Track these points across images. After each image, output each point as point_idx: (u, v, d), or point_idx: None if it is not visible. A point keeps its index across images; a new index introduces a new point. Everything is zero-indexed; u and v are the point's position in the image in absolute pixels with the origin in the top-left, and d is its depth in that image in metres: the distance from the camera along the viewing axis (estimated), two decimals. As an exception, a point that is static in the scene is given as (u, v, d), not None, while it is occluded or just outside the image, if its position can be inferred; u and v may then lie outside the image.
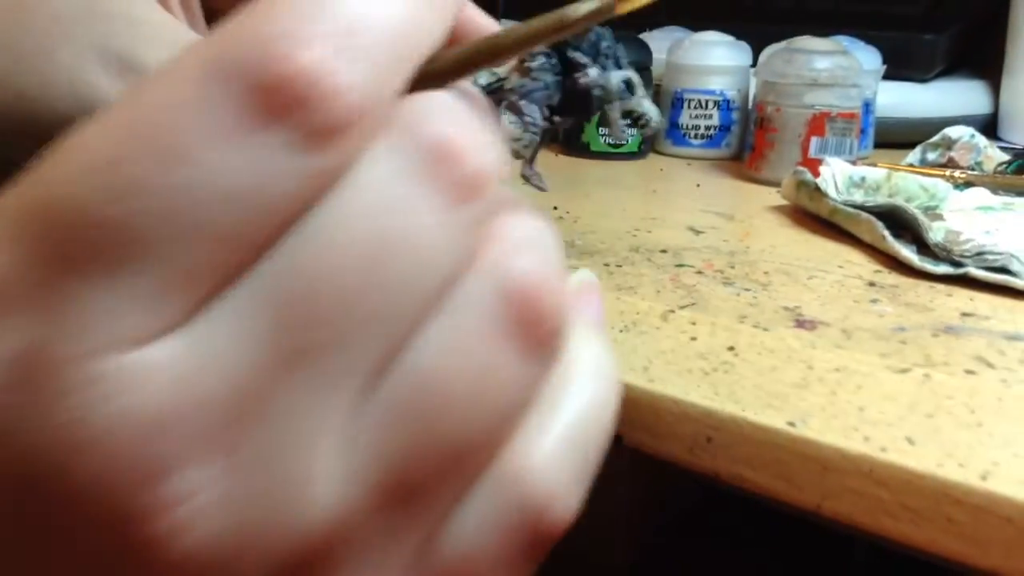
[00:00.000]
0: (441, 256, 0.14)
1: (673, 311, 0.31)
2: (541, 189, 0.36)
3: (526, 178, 0.36)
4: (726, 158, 0.61)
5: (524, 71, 0.34)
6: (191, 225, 0.13)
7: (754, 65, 0.61)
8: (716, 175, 0.57)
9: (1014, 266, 0.35)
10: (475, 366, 0.14)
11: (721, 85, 0.60)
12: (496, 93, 0.34)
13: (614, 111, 0.35)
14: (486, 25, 0.28)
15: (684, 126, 0.61)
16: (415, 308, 0.14)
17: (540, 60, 0.34)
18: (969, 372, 0.27)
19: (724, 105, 0.60)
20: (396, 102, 0.15)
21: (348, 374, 0.13)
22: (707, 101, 0.60)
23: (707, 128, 0.61)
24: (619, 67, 0.35)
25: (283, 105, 0.13)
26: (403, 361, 0.14)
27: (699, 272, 0.36)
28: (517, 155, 0.35)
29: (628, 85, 0.34)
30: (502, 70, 0.34)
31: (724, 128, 0.61)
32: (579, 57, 0.34)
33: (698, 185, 0.54)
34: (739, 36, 0.62)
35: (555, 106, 0.35)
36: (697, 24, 0.64)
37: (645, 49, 0.60)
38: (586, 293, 0.25)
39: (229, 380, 0.13)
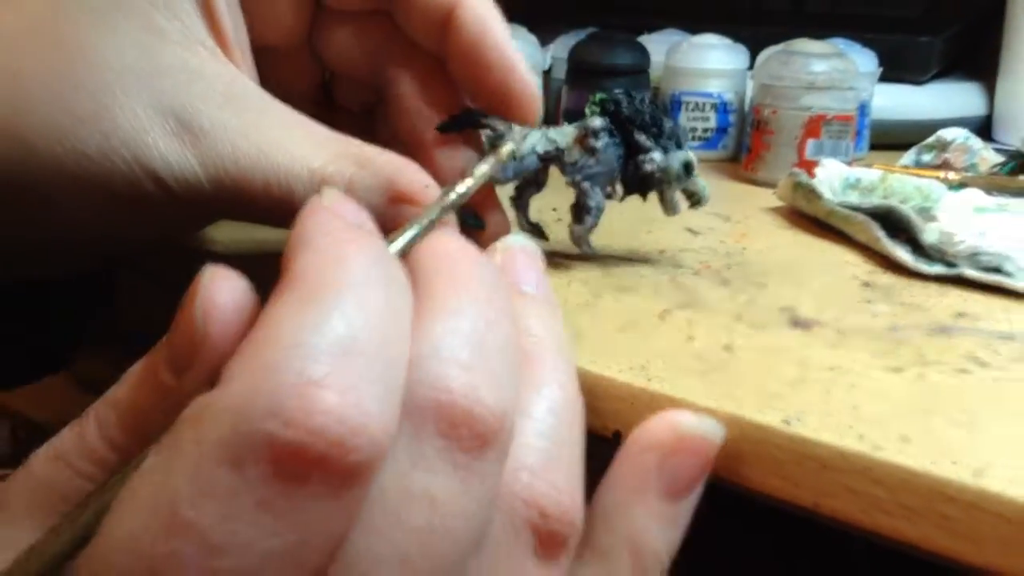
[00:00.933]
0: (470, 518, 0.17)
1: (671, 311, 0.31)
2: (587, 254, 0.36)
3: (576, 242, 0.36)
4: (723, 160, 0.61)
5: (588, 149, 0.34)
6: None
7: (751, 68, 0.61)
8: (713, 176, 0.57)
9: (1007, 266, 0.35)
10: None
11: (718, 88, 0.61)
12: (552, 161, 0.34)
13: (672, 191, 0.35)
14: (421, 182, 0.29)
15: (682, 128, 0.61)
16: (455, 562, 0.17)
17: (604, 139, 0.34)
18: (962, 371, 0.27)
19: (721, 107, 0.61)
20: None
21: None
22: (704, 103, 0.61)
23: (704, 130, 0.61)
24: (679, 147, 0.35)
25: (306, 467, 0.14)
26: None
27: (696, 273, 0.36)
28: (571, 229, 0.35)
29: (687, 167, 0.35)
30: (561, 139, 0.34)
31: (721, 130, 0.61)
32: (643, 141, 0.34)
33: (695, 187, 0.54)
34: (736, 39, 0.62)
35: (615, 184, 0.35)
36: (695, 27, 0.65)
37: (643, 52, 0.61)
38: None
39: None
